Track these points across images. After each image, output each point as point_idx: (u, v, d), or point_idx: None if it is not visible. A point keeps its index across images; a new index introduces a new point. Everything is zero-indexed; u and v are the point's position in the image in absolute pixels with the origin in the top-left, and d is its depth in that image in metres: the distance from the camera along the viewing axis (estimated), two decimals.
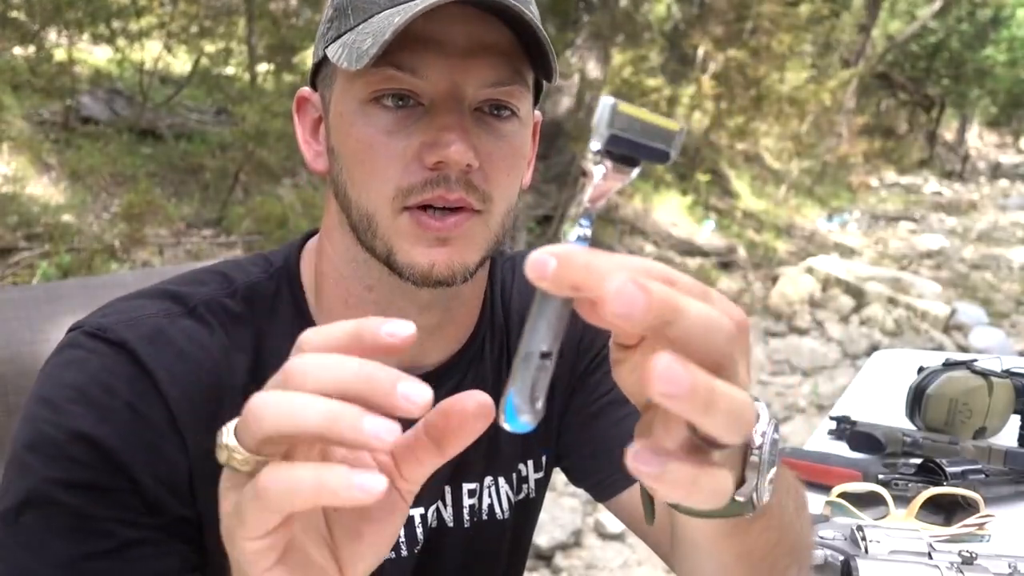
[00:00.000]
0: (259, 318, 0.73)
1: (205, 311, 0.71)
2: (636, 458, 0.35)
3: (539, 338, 0.36)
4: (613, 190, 0.38)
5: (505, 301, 0.85)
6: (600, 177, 0.37)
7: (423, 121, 0.65)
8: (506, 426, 0.37)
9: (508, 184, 0.69)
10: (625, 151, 0.37)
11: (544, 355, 0.37)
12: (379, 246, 0.67)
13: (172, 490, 0.66)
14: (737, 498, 0.48)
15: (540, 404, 0.37)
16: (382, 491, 0.36)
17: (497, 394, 0.90)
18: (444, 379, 0.78)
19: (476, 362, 0.81)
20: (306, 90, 0.75)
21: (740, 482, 0.49)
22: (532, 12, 0.67)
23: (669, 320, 0.33)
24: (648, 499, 0.54)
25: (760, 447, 0.48)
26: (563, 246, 0.35)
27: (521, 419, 0.37)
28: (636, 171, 0.38)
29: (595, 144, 0.36)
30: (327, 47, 0.68)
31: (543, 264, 0.34)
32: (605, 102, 0.36)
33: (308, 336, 0.41)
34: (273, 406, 0.38)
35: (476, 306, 0.81)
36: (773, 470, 0.49)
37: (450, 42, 0.63)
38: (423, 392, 0.38)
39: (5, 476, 0.66)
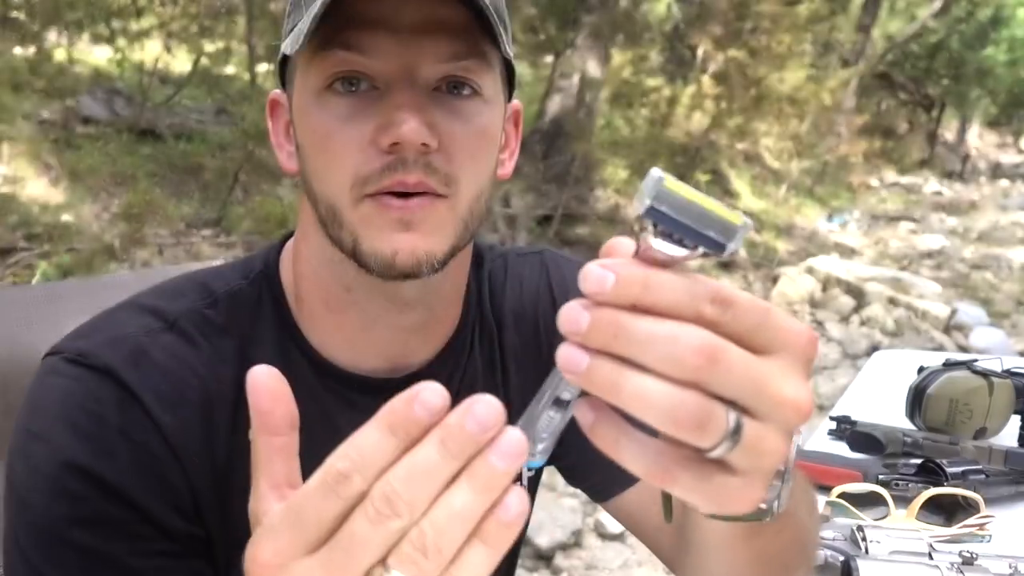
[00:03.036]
0: (242, 327, 0.71)
1: (186, 324, 0.69)
2: (578, 410, 0.37)
3: (560, 383, 0.37)
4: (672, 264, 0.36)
5: (495, 297, 0.83)
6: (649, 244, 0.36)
7: (377, 104, 0.62)
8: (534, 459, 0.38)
9: (474, 167, 0.65)
10: (667, 228, 0.36)
11: (560, 402, 0.37)
12: (345, 237, 0.65)
13: (178, 511, 0.65)
14: (760, 505, 0.47)
15: (544, 446, 0.38)
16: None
17: (488, 392, 0.89)
18: (431, 377, 0.77)
19: (463, 359, 0.79)
20: (277, 92, 0.74)
21: None
22: None
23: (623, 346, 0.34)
24: (667, 496, 0.53)
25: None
26: (615, 261, 0.35)
27: (537, 455, 0.38)
28: (683, 253, 0.36)
29: (637, 208, 0.36)
30: (283, 41, 0.67)
31: (602, 279, 0.34)
32: (653, 175, 0.36)
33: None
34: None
35: (458, 301, 0.79)
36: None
37: (400, 20, 0.61)
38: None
39: (6, 515, 0.64)
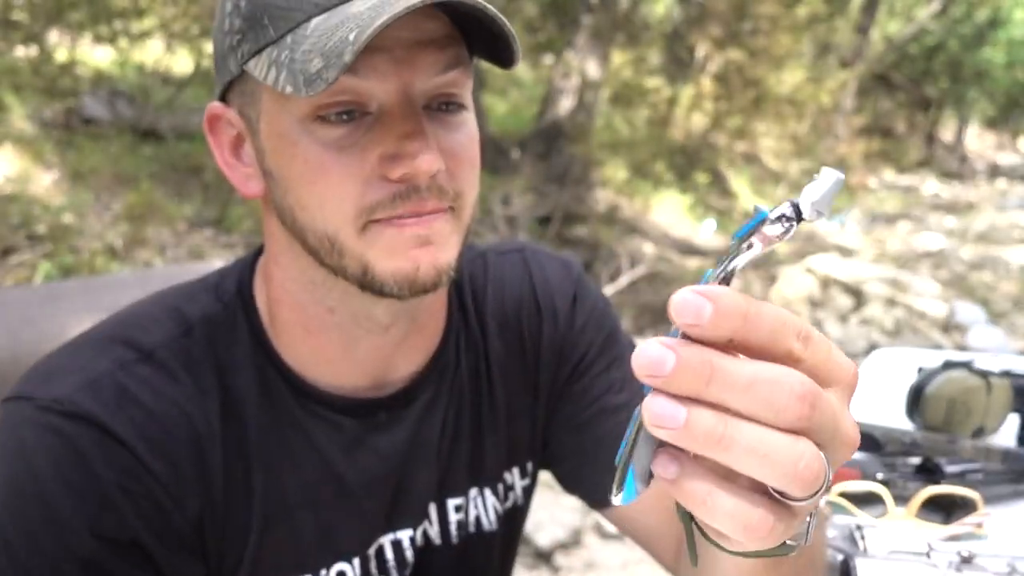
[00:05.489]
0: (219, 354, 0.69)
1: (165, 356, 0.66)
2: (656, 463, 0.34)
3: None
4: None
5: (478, 302, 0.81)
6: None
7: (375, 131, 0.60)
8: (617, 500, 0.36)
9: (472, 176, 0.66)
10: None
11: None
12: (350, 265, 0.63)
13: (186, 549, 0.65)
14: (788, 541, 0.47)
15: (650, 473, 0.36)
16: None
17: (475, 405, 0.86)
18: (417, 393, 0.75)
19: (449, 372, 0.77)
20: (217, 106, 0.67)
21: None
22: None
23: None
24: (691, 537, 0.52)
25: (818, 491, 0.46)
26: (713, 288, 0.32)
27: (638, 491, 0.36)
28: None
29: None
30: (245, 63, 0.62)
31: (699, 308, 0.31)
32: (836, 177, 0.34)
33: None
34: None
35: (442, 310, 0.77)
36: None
37: (397, 40, 0.58)
38: None
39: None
